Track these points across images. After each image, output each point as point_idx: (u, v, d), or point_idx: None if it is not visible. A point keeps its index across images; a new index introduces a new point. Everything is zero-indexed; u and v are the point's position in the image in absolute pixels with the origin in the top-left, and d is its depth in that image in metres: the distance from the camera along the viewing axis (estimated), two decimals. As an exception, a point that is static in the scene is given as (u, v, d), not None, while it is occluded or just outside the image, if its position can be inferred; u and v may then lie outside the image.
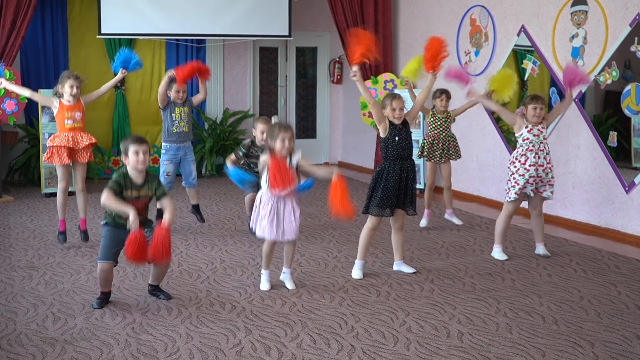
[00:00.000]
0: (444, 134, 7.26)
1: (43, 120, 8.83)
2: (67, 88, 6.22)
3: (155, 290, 4.98)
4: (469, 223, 7.51)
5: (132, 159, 4.64)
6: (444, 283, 5.35)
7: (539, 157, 5.88)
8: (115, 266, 4.78)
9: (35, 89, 9.36)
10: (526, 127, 5.91)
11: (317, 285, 5.28)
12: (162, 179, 6.84)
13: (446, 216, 7.49)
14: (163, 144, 7.03)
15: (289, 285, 5.21)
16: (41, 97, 6.76)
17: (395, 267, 5.70)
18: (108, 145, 10.49)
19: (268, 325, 4.43)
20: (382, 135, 5.44)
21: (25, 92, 6.58)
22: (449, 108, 7.38)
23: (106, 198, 4.57)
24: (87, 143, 6.28)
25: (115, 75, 6.71)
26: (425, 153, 7.29)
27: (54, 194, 8.77)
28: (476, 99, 6.51)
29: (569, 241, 6.73)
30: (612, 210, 6.93)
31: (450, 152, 7.30)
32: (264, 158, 4.99)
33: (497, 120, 8.51)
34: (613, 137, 6.93)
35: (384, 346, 4.10)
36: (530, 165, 5.87)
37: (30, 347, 4.04)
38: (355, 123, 11.53)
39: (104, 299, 4.78)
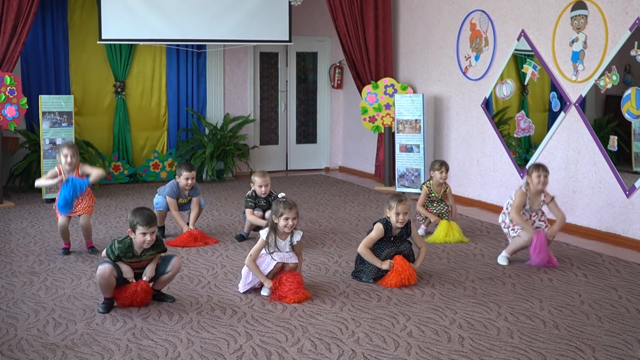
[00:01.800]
0: (436, 210, 7.16)
1: (44, 126, 8.83)
2: (62, 157, 6.18)
3: (158, 295, 4.98)
4: (470, 228, 7.51)
5: (139, 239, 4.70)
6: (444, 287, 5.35)
7: (533, 219, 6.08)
8: (117, 283, 4.79)
9: (35, 94, 9.47)
10: (524, 206, 6.01)
11: (318, 290, 5.28)
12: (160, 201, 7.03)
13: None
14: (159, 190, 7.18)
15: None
16: (51, 180, 6.27)
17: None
18: (109, 151, 10.50)
19: (269, 330, 4.43)
20: (373, 235, 5.44)
21: (46, 182, 6.35)
22: (447, 180, 7.24)
23: (107, 254, 4.78)
24: (84, 207, 6.26)
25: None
26: (422, 219, 7.21)
27: (54, 200, 8.78)
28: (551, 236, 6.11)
29: (569, 245, 6.72)
30: (613, 215, 6.93)
31: (445, 216, 7.14)
32: (262, 236, 5.09)
33: (497, 124, 8.51)
34: (613, 142, 6.93)
35: (384, 351, 4.10)
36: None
37: (31, 353, 4.04)
38: (356, 128, 11.54)
39: (109, 304, 4.79)
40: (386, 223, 5.44)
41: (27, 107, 8.75)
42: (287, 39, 10.62)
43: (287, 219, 5.02)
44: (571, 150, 7.41)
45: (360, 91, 10.27)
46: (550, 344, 4.20)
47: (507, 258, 6.06)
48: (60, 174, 6.19)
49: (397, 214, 5.37)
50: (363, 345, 4.17)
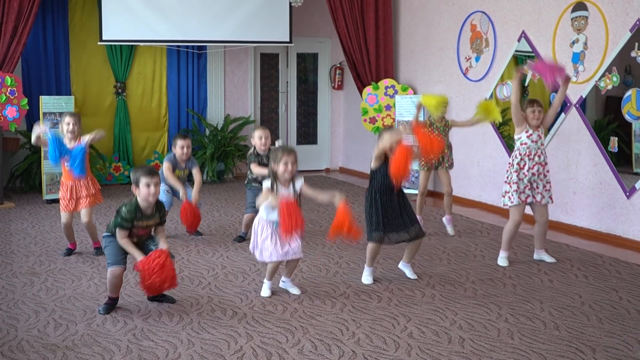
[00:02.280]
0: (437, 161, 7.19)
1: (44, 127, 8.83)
2: (64, 125, 6.15)
3: (158, 296, 4.99)
4: (470, 229, 7.51)
5: (144, 192, 4.67)
6: (445, 289, 5.35)
7: (534, 164, 5.89)
8: (125, 270, 4.79)
9: (36, 95, 9.47)
10: (526, 131, 5.92)
11: (318, 291, 5.28)
12: (162, 196, 6.90)
13: (443, 220, 7.38)
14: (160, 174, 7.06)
15: (294, 291, 5.21)
16: (45, 140, 6.23)
17: (399, 266, 5.70)
18: (109, 152, 10.51)
19: (269, 331, 4.43)
20: (372, 166, 5.42)
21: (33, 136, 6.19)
22: (446, 116, 7.26)
23: (120, 238, 4.70)
24: (86, 194, 6.17)
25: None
26: (422, 162, 7.17)
27: (55, 200, 8.80)
28: (515, 78, 5.99)
29: (570, 247, 6.72)
30: (613, 216, 6.93)
31: (445, 161, 7.16)
32: (266, 185, 5.00)
33: (497, 126, 8.51)
34: (614, 143, 6.93)
35: (385, 352, 4.10)
36: (527, 170, 5.88)
37: (32, 354, 4.04)
38: (356, 129, 11.55)
39: (112, 305, 4.79)
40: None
41: (27, 108, 8.76)
42: (288, 40, 10.62)
43: (286, 163, 4.93)
44: (571, 151, 7.41)
45: (360, 92, 10.27)
46: (550, 345, 4.20)
47: (506, 258, 6.06)
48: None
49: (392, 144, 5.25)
50: (363, 346, 4.18)
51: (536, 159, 5.91)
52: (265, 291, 5.16)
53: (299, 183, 5.07)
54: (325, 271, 5.85)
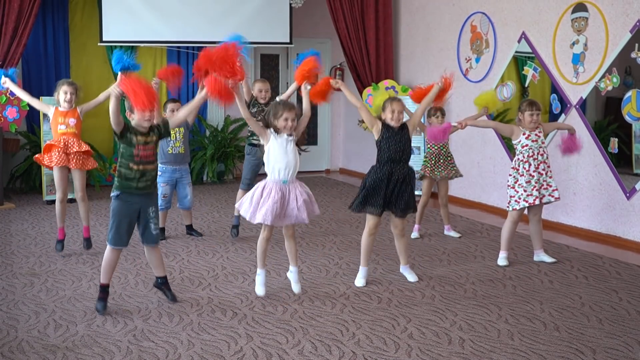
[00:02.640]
0: (443, 150, 7.13)
1: (44, 127, 8.84)
2: (61, 94, 6.18)
3: (163, 283, 5.00)
4: (470, 230, 7.51)
5: (139, 116, 4.66)
6: (445, 290, 5.35)
7: (538, 163, 5.89)
8: (123, 249, 4.79)
9: (36, 96, 9.38)
10: (524, 133, 5.92)
11: (319, 292, 5.28)
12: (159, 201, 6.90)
13: (445, 232, 7.35)
14: (159, 165, 6.95)
15: (296, 288, 5.18)
16: (39, 103, 6.57)
17: (401, 270, 5.71)
18: (109, 152, 10.51)
19: (269, 332, 4.43)
20: (375, 137, 5.46)
21: (25, 96, 6.45)
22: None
23: (110, 117, 4.62)
24: (77, 149, 6.17)
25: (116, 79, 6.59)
26: (429, 170, 7.10)
27: (55, 201, 8.79)
28: (468, 122, 6.16)
29: (570, 247, 6.72)
30: (613, 217, 6.93)
31: (450, 169, 7.10)
32: (267, 148, 4.99)
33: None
34: (614, 144, 6.94)
35: (385, 353, 4.10)
36: (534, 172, 5.89)
37: (32, 355, 4.04)
38: (356, 129, 11.54)
39: (105, 297, 4.79)
40: (385, 124, 5.43)
41: (28, 109, 8.75)
42: (288, 41, 10.63)
43: (286, 119, 4.92)
44: (572, 152, 7.41)
45: (360, 93, 10.28)
46: (550, 346, 4.20)
47: (506, 258, 6.06)
48: (56, 110, 6.17)
49: (392, 111, 5.33)
50: (363, 347, 4.17)
51: (540, 157, 5.92)
52: (259, 289, 5.11)
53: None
54: (325, 272, 5.85)
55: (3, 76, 6.37)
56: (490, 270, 5.92)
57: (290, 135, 5.02)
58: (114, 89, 4.60)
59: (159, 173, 6.90)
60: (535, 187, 5.90)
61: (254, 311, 4.82)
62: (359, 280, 5.49)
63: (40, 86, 9.95)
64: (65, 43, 10.18)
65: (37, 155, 6.35)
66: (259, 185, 5.03)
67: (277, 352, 4.09)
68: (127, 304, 4.96)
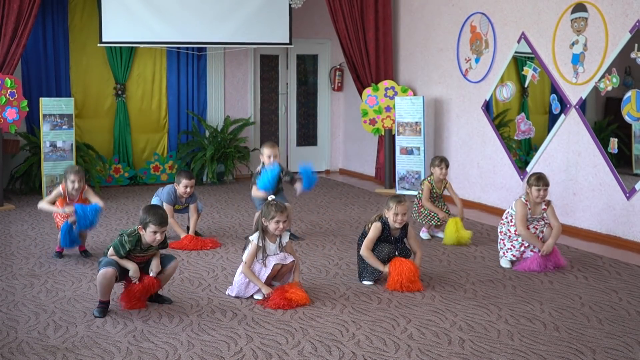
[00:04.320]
0: (439, 204, 7.15)
1: (44, 128, 8.84)
2: (69, 183, 6.20)
3: (156, 297, 4.99)
4: (470, 230, 7.49)
5: (149, 237, 4.70)
6: (445, 290, 5.35)
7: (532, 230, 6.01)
8: (116, 273, 4.75)
9: (36, 97, 9.47)
10: (529, 208, 5.96)
11: (318, 292, 5.28)
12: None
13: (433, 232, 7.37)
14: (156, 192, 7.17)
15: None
16: (49, 206, 6.28)
17: None
18: (109, 154, 10.51)
19: (269, 332, 4.43)
20: (371, 235, 5.42)
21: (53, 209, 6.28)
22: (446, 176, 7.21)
23: (111, 252, 4.75)
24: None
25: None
26: (422, 220, 7.12)
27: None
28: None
29: (570, 248, 6.72)
30: (613, 217, 6.93)
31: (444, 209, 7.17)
32: (253, 239, 5.05)
33: (497, 127, 8.52)
34: (614, 144, 6.93)
35: (385, 353, 4.10)
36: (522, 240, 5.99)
37: (32, 356, 4.04)
38: (356, 130, 11.55)
39: (104, 308, 4.78)
40: (384, 223, 5.44)
41: (27, 109, 8.76)
42: (288, 41, 10.63)
43: (278, 222, 4.98)
44: (571, 152, 7.41)
45: (360, 94, 10.28)
46: (550, 346, 4.20)
47: (509, 260, 6.05)
48: (65, 198, 6.21)
49: (396, 214, 5.37)
50: (363, 348, 4.17)
51: (532, 230, 5.98)
52: (258, 294, 5.12)
53: (286, 238, 5.11)
54: (325, 272, 5.85)
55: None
56: (490, 270, 5.92)
57: (278, 238, 5.09)
58: (135, 276, 4.80)
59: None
60: (523, 244, 5.97)
61: (254, 312, 4.82)
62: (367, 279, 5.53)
63: (40, 87, 9.95)
64: (64, 44, 10.17)
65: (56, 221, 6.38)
66: (239, 279, 5.12)
67: (277, 353, 4.09)
68: (127, 305, 4.96)
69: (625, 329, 4.51)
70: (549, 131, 7.69)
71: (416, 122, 9.52)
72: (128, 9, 9.75)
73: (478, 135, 8.79)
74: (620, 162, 6.92)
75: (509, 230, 6.03)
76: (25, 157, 9.68)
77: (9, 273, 5.75)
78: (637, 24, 6.58)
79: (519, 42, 8.10)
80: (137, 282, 4.78)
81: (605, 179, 7.02)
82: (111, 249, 4.77)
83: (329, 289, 5.36)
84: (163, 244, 4.91)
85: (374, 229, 5.41)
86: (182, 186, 6.85)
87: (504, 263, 6.05)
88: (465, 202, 8.95)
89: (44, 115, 8.84)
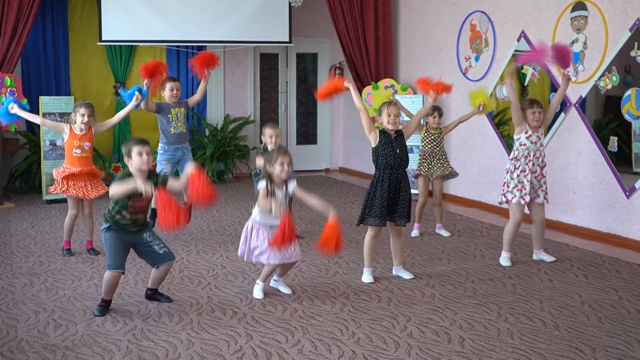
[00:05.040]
0: (437, 149, 7.12)
1: (44, 127, 8.83)
2: (78, 117, 6.16)
3: (154, 294, 4.99)
4: (470, 228, 7.51)
5: (136, 160, 4.65)
6: (444, 288, 5.35)
7: (532, 164, 5.90)
8: (123, 273, 4.79)
9: (36, 95, 9.45)
10: (525, 132, 5.91)
11: (318, 291, 5.28)
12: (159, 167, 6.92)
13: (437, 230, 7.34)
14: (160, 145, 6.98)
15: (285, 290, 5.21)
16: (52, 123, 6.68)
17: (394, 272, 5.70)
18: (109, 152, 10.51)
19: (269, 331, 4.43)
20: (372, 144, 5.47)
21: (36, 120, 6.48)
22: (441, 125, 7.20)
23: (113, 190, 4.58)
24: (96, 193, 6.21)
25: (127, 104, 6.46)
26: (424, 169, 7.12)
27: (55, 201, 8.81)
28: (509, 77, 6.06)
29: (569, 246, 6.72)
30: (613, 215, 6.93)
31: (445, 168, 7.12)
32: (262, 185, 4.94)
33: (497, 125, 8.52)
34: (613, 142, 6.93)
35: (385, 352, 4.10)
36: (521, 172, 5.89)
37: (32, 354, 4.04)
38: (356, 129, 11.54)
39: (106, 307, 4.78)
40: (382, 131, 5.45)
41: (27, 108, 8.74)
42: (288, 40, 10.62)
43: (282, 164, 4.89)
44: (571, 151, 7.41)
45: (360, 92, 10.28)
46: (550, 344, 4.21)
47: (509, 258, 6.05)
48: (72, 132, 6.17)
49: (388, 115, 5.35)
50: (363, 346, 4.18)
51: (535, 160, 5.91)
52: (257, 293, 5.12)
53: (292, 185, 5.02)
54: (325, 271, 5.85)
55: (12, 102, 6.33)
56: (490, 269, 5.92)
57: (284, 184, 4.99)
58: (145, 188, 4.54)
59: (160, 152, 6.96)
60: (526, 187, 5.88)
61: (254, 310, 4.82)
62: (367, 277, 5.53)
63: (40, 86, 9.95)
64: (64, 43, 10.17)
65: (51, 189, 6.34)
66: (246, 229, 5.04)
67: (277, 351, 4.10)
68: (126, 304, 4.96)
69: (625, 327, 4.51)
70: (548, 130, 7.69)
71: (416, 121, 9.50)
72: (128, 7, 9.74)
73: (478, 134, 8.79)
74: (620, 161, 6.92)
75: (513, 164, 5.99)
76: (25, 156, 9.68)
77: (8, 272, 5.75)
78: (637, 22, 6.58)
79: (518, 40, 8.09)
80: (151, 195, 4.59)
81: (605, 177, 7.02)
82: (113, 184, 4.61)
83: (328, 288, 5.36)
84: (160, 179, 4.79)
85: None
86: (168, 90, 6.86)
87: (504, 261, 6.05)
88: (465, 200, 8.96)
89: (44, 114, 8.83)
